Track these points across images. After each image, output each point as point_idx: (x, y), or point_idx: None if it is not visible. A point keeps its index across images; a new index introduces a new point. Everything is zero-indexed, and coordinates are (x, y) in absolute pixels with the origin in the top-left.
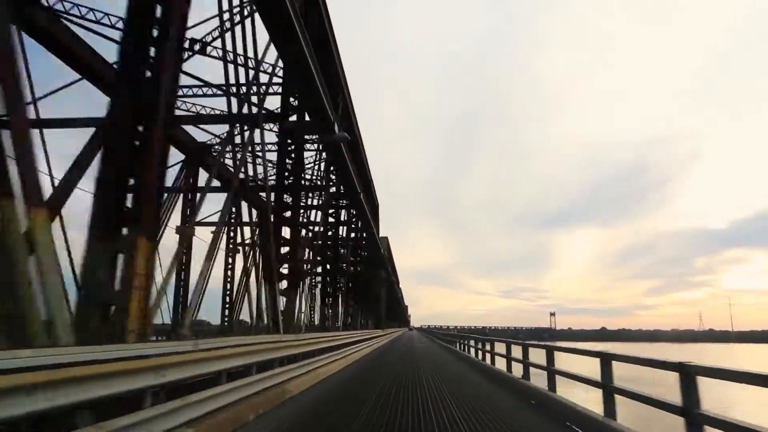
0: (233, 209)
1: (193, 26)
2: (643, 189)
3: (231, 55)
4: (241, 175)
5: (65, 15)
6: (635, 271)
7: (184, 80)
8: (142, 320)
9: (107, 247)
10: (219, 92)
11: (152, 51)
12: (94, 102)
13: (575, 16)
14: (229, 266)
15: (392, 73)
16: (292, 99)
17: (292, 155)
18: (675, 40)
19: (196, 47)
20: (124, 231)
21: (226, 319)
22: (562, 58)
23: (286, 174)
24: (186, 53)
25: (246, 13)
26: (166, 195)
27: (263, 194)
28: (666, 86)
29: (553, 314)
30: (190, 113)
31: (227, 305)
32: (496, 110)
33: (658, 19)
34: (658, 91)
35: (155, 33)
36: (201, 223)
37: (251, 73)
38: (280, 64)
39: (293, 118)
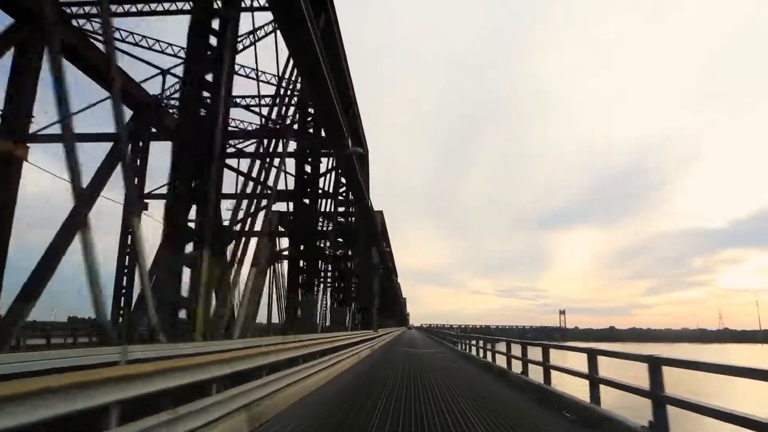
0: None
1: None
2: (643, 190)
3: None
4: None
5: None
6: (633, 271)
7: None
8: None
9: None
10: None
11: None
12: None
13: (577, 17)
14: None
15: (392, 73)
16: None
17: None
18: (675, 41)
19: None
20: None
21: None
22: (563, 59)
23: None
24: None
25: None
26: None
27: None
28: (666, 88)
29: (563, 312)
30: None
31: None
32: (497, 111)
33: (659, 19)
34: (658, 92)
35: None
36: (151, 196)
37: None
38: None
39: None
